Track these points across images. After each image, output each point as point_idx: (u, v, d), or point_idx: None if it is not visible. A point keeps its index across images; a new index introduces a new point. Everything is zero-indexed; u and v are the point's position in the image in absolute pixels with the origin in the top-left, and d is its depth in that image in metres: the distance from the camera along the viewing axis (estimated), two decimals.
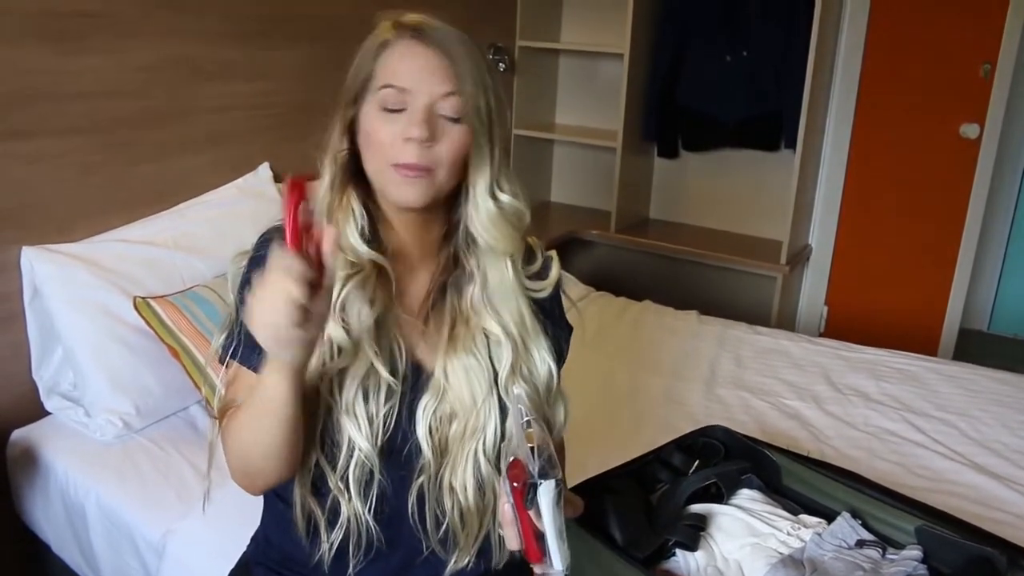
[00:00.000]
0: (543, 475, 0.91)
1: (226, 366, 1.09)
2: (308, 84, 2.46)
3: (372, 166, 1.05)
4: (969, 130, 3.29)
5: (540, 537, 0.92)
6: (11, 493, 1.86)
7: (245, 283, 1.07)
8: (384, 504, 1.09)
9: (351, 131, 1.07)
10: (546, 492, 0.91)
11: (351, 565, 1.11)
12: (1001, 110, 3.22)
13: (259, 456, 1.02)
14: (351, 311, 1.04)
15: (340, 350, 1.03)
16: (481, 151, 1.05)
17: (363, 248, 1.07)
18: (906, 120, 3.40)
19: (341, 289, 1.04)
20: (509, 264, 1.12)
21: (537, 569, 0.93)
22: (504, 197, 1.09)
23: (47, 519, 1.82)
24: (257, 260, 1.07)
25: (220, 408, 1.09)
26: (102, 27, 1.91)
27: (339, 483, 1.06)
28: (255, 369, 1.04)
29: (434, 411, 1.09)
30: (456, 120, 1.02)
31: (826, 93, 3.41)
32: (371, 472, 1.06)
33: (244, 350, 1.06)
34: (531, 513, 0.91)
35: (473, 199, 1.09)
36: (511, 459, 0.94)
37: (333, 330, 1.03)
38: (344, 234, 1.06)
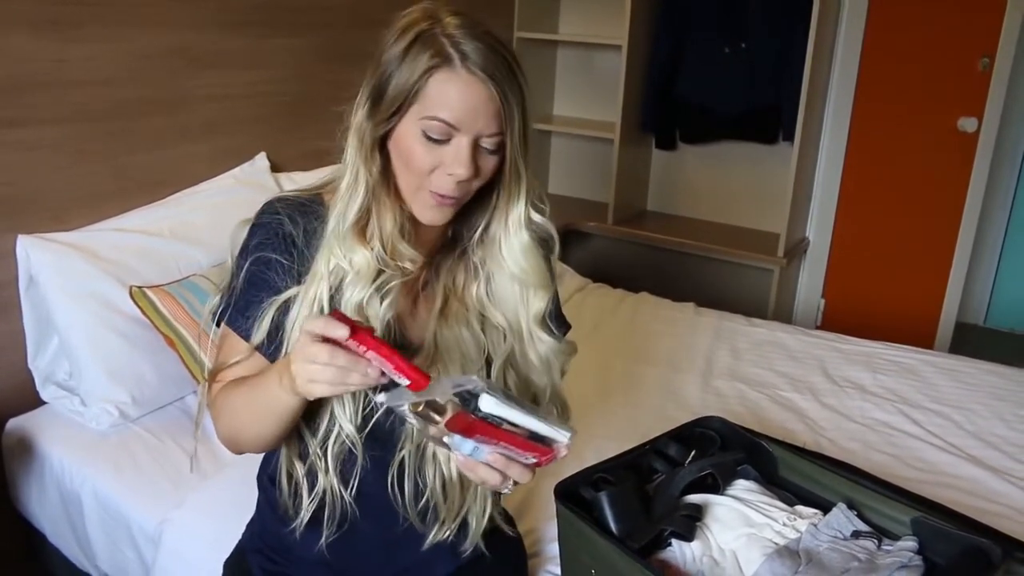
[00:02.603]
0: (471, 396, 0.88)
1: (217, 325, 1.11)
2: (305, 74, 2.44)
3: (406, 184, 1.05)
4: (967, 124, 3.29)
5: (532, 437, 0.89)
6: (7, 483, 1.86)
7: (244, 248, 1.08)
8: (362, 480, 1.10)
9: (383, 139, 1.04)
10: (490, 399, 0.88)
11: (323, 536, 1.12)
12: (999, 104, 3.22)
13: (251, 439, 1.06)
14: (375, 308, 1.05)
15: None
16: (518, 178, 1.05)
17: (413, 253, 1.07)
18: (904, 114, 3.40)
19: (377, 288, 1.05)
20: (517, 286, 1.12)
21: (563, 452, 0.91)
22: (537, 219, 1.11)
23: (43, 509, 1.82)
24: (259, 226, 1.08)
25: (211, 370, 1.11)
26: (99, 15, 1.90)
27: (318, 449, 1.08)
28: (244, 335, 1.06)
29: None
30: (495, 152, 1.01)
31: (824, 86, 3.40)
32: (350, 450, 1.08)
33: (234, 314, 1.08)
34: (506, 428, 0.89)
35: (506, 228, 1.09)
36: (446, 431, 0.88)
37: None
38: (392, 240, 1.06)
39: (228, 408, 1.06)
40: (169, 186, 2.14)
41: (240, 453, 1.13)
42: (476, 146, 1.00)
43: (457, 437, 0.88)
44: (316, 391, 0.89)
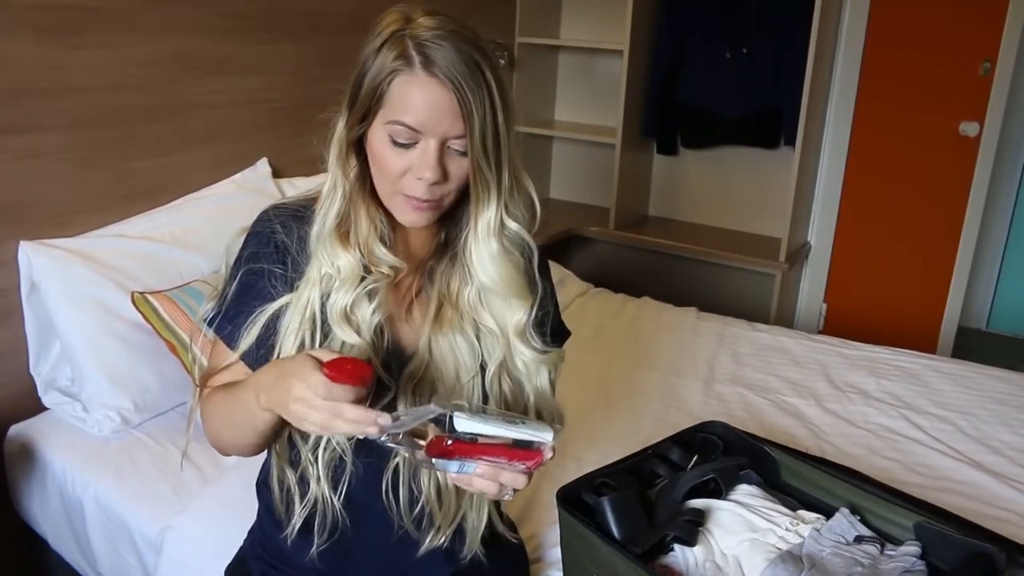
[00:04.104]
0: (443, 417, 0.89)
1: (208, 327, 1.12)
2: (306, 79, 2.45)
3: (381, 188, 1.05)
4: (969, 128, 3.29)
5: (517, 444, 0.90)
6: (9, 489, 1.86)
7: (238, 257, 1.09)
8: (353, 488, 1.10)
9: (359, 142, 1.05)
10: (463, 418, 0.88)
11: (315, 544, 1.12)
12: (1001, 108, 3.22)
13: (232, 446, 1.08)
14: (362, 312, 1.05)
15: (351, 348, 1.05)
16: (487, 183, 1.03)
17: (392, 258, 1.07)
18: (905, 118, 3.40)
19: (364, 291, 1.05)
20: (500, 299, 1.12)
21: (548, 454, 0.91)
22: (512, 226, 1.08)
23: (45, 515, 1.82)
24: (252, 235, 1.09)
25: (202, 375, 1.12)
26: (100, 21, 1.91)
27: (309, 455, 1.08)
28: (230, 342, 1.07)
29: (415, 384, 1.09)
30: (465, 153, 1.00)
31: (826, 90, 3.41)
32: (341, 457, 1.08)
33: (223, 321, 1.09)
34: (484, 442, 0.89)
35: (475, 235, 1.08)
36: (427, 455, 0.90)
37: (348, 335, 1.04)
38: (368, 244, 1.06)
39: (211, 414, 1.07)
40: (171, 192, 2.14)
41: (228, 456, 1.13)
42: (444, 148, 0.99)
43: (440, 459, 0.89)
44: (305, 429, 0.90)
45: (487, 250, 1.07)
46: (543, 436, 0.90)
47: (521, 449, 0.90)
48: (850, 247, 3.64)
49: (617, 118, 3.37)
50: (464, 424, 0.88)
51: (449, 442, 0.89)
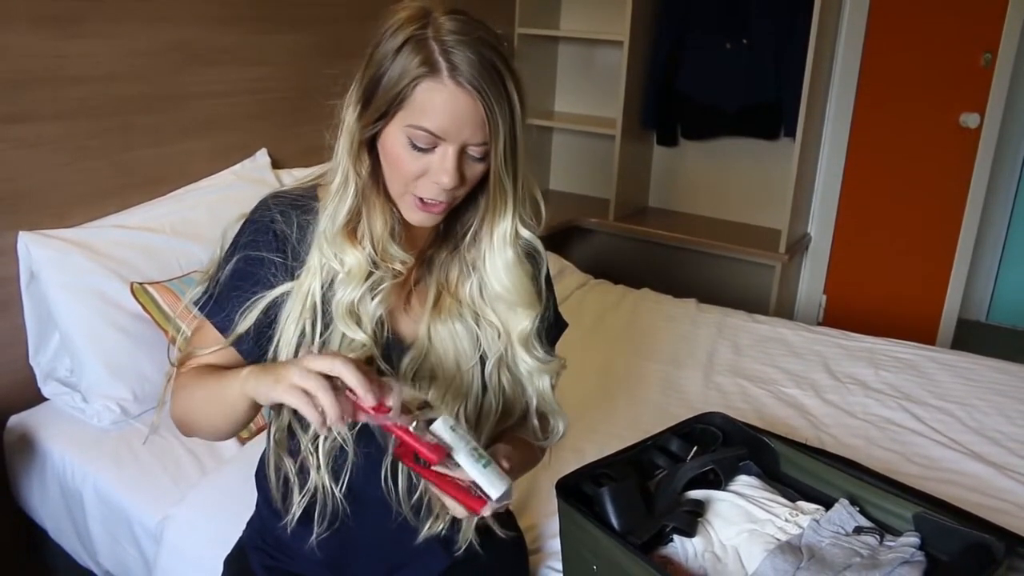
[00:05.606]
0: (426, 423, 0.90)
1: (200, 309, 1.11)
2: (306, 70, 2.45)
3: (393, 187, 1.04)
4: (969, 119, 3.28)
5: (470, 487, 0.91)
6: (8, 479, 1.86)
7: (234, 244, 1.09)
8: (354, 477, 1.10)
9: (371, 139, 1.04)
10: (443, 423, 0.89)
11: (315, 533, 1.12)
12: (1001, 100, 3.21)
13: (202, 428, 1.08)
14: (366, 307, 1.05)
15: (351, 341, 1.05)
16: (504, 193, 1.04)
17: (404, 255, 1.07)
18: (906, 109, 3.39)
19: (369, 287, 1.05)
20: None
21: (486, 511, 0.92)
22: (526, 235, 1.09)
23: (44, 505, 1.82)
24: (250, 223, 1.09)
25: (180, 357, 1.11)
26: (99, 11, 1.90)
27: (309, 445, 1.08)
28: (221, 328, 1.07)
29: (415, 371, 1.09)
30: (482, 159, 1.00)
31: (826, 82, 3.40)
32: (342, 448, 1.08)
33: (214, 307, 1.08)
34: (439, 469, 0.90)
35: (491, 243, 1.08)
36: (395, 453, 0.92)
37: (352, 331, 1.04)
38: (383, 242, 1.06)
39: (184, 391, 1.07)
40: (170, 183, 2.13)
41: (189, 436, 1.13)
42: (462, 154, 0.99)
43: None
44: (287, 400, 0.89)
45: (502, 260, 1.08)
46: (493, 489, 0.90)
47: (468, 493, 0.90)
48: (850, 238, 3.64)
49: (617, 109, 3.36)
50: (438, 427, 0.89)
51: (424, 434, 0.90)
